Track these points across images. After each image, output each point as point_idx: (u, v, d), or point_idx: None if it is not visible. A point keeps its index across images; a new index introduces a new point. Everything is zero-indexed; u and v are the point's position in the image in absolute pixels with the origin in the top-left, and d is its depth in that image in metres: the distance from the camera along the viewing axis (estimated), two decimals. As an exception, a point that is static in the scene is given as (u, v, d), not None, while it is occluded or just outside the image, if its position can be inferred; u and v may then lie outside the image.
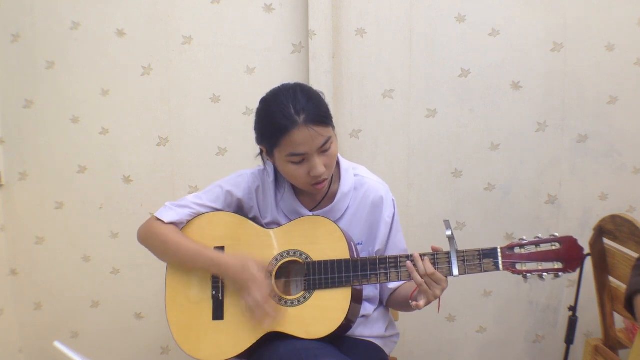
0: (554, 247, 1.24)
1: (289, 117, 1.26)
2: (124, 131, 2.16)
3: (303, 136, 1.26)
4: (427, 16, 2.08)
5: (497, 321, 2.24)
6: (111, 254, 2.22)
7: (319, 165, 1.30)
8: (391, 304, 1.53)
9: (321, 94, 1.36)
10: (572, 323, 1.87)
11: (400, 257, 1.30)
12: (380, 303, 1.54)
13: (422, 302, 1.25)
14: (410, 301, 1.35)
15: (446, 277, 1.26)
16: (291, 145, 1.28)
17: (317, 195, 1.45)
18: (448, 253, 1.27)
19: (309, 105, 1.27)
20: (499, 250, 1.26)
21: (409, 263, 1.27)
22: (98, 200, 2.20)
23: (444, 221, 1.28)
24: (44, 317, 2.26)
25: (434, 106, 2.12)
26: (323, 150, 1.30)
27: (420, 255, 1.28)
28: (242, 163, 2.09)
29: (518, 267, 1.25)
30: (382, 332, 1.51)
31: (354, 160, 1.54)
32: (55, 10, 2.10)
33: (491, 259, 1.26)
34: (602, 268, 1.68)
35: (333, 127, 1.35)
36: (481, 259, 1.26)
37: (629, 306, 1.24)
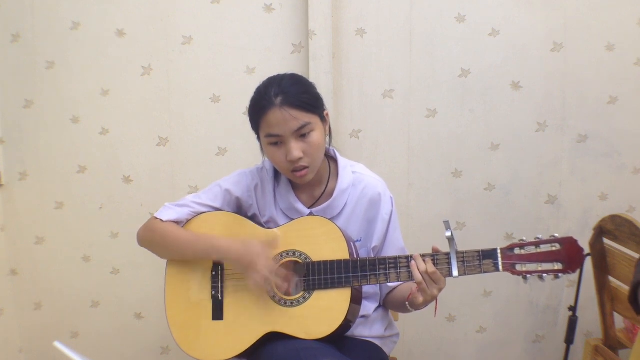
0: (554, 248, 1.24)
1: (267, 99, 1.31)
2: (124, 131, 2.16)
3: (277, 117, 1.30)
4: (427, 16, 2.08)
5: (497, 321, 2.24)
6: (111, 254, 2.22)
7: (294, 150, 1.31)
8: (387, 303, 1.53)
9: (313, 85, 1.40)
10: (572, 323, 1.87)
11: (400, 257, 1.30)
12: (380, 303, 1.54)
13: (420, 299, 1.27)
14: (406, 303, 1.36)
15: (445, 277, 1.27)
16: (267, 126, 1.33)
17: (314, 191, 1.46)
18: (448, 254, 1.27)
19: (291, 90, 1.32)
20: (498, 251, 1.26)
21: (412, 263, 1.27)
22: (98, 200, 2.20)
23: (444, 222, 1.28)
24: (44, 317, 2.26)
25: (434, 106, 2.12)
26: (300, 134, 1.32)
27: (421, 256, 1.28)
28: (242, 163, 2.08)
29: (518, 268, 1.24)
30: (381, 332, 1.51)
31: (354, 160, 1.54)
32: (55, 10, 2.10)
33: (491, 260, 1.25)
34: (602, 268, 1.68)
35: (321, 117, 1.37)
36: (481, 260, 1.26)
37: (634, 298, 1.23)
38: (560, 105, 2.10)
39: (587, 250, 1.66)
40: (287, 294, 1.34)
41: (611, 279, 1.68)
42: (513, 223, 2.17)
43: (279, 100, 1.30)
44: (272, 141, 1.34)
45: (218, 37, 2.10)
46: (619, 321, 1.75)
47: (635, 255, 1.52)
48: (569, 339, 1.88)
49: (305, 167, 1.35)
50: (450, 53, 2.09)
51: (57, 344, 1.05)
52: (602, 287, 1.69)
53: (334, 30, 2.06)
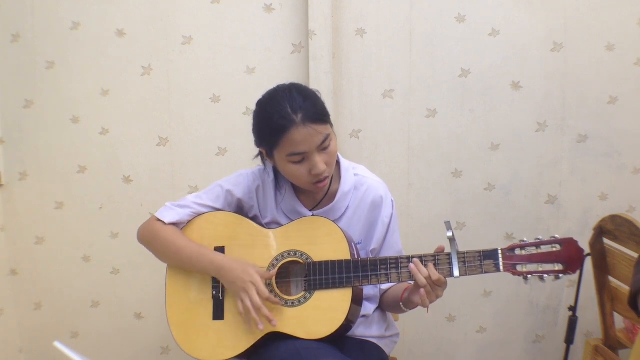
0: (554, 249, 1.24)
1: (287, 117, 1.26)
2: (124, 131, 2.16)
3: (302, 135, 1.26)
4: (427, 16, 2.08)
5: (497, 321, 2.24)
6: (111, 254, 2.22)
7: (320, 163, 1.30)
8: (381, 304, 1.53)
9: (317, 92, 1.36)
10: (572, 323, 1.87)
11: (401, 258, 1.30)
12: (380, 303, 1.55)
13: (427, 303, 1.26)
14: (400, 303, 1.36)
15: (446, 278, 1.27)
16: (290, 145, 1.28)
17: (317, 194, 1.45)
18: (449, 254, 1.27)
19: (306, 104, 1.28)
20: (499, 251, 1.26)
21: (412, 266, 1.27)
22: (98, 200, 2.19)
23: (445, 222, 1.28)
24: (44, 317, 2.26)
25: (434, 106, 2.12)
26: (323, 147, 1.30)
27: (421, 257, 1.28)
28: (242, 163, 2.07)
29: (519, 268, 1.25)
30: (382, 332, 1.51)
31: (354, 161, 1.54)
32: (55, 10, 2.10)
33: (492, 260, 1.26)
34: (602, 268, 1.68)
35: (331, 124, 1.35)
36: (482, 260, 1.26)
37: (634, 304, 1.23)
38: (560, 105, 2.10)
39: (587, 250, 1.66)
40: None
41: (611, 279, 1.68)
42: (513, 223, 2.17)
43: (300, 117, 1.26)
44: (296, 160, 1.30)
45: (218, 37, 2.10)
46: (619, 321, 1.75)
47: (635, 255, 1.52)
48: (569, 339, 1.88)
49: (326, 177, 1.34)
50: (450, 53, 2.09)
51: (57, 344, 1.05)
52: (602, 287, 1.69)
53: (334, 30, 2.06)
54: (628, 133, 2.10)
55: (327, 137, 1.30)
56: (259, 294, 1.29)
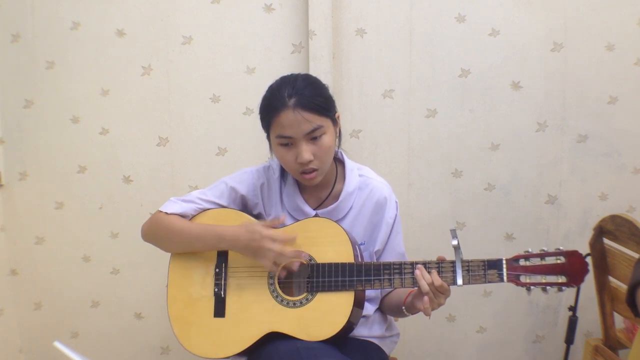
0: (558, 261, 1.23)
1: (280, 99, 1.30)
2: (124, 131, 2.16)
3: (289, 119, 1.29)
4: (427, 16, 2.08)
5: (497, 321, 2.24)
6: (111, 254, 2.22)
7: (305, 152, 1.31)
8: (383, 307, 1.53)
9: (327, 87, 1.39)
10: (572, 323, 1.87)
11: (405, 263, 1.30)
12: (380, 304, 1.54)
13: (429, 310, 1.26)
14: (403, 307, 1.36)
15: (449, 285, 1.27)
16: (279, 127, 1.32)
17: (321, 193, 1.46)
18: (453, 262, 1.27)
19: (305, 91, 1.31)
20: (504, 261, 1.25)
21: (417, 272, 1.27)
22: (98, 200, 2.19)
23: (450, 230, 1.28)
24: (44, 317, 2.26)
25: (434, 106, 2.12)
26: (312, 137, 1.32)
27: (425, 264, 1.28)
28: (242, 163, 2.08)
29: (522, 279, 1.24)
30: (382, 332, 1.51)
31: (354, 161, 1.54)
32: (55, 10, 2.10)
33: (496, 270, 1.25)
34: (602, 268, 1.68)
35: (332, 119, 1.37)
36: (486, 270, 1.25)
37: (631, 299, 1.23)
38: (560, 105, 2.10)
39: (587, 250, 1.66)
40: (290, 287, 1.34)
41: (611, 279, 1.68)
42: (513, 223, 2.17)
43: (292, 101, 1.29)
44: (282, 142, 1.33)
45: (218, 37, 2.10)
46: (619, 321, 1.75)
47: (635, 255, 1.52)
48: (569, 339, 1.88)
49: (314, 170, 1.35)
50: (450, 53, 2.09)
51: (57, 344, 1.05)
52: (602, 287, 1.69)
53: (334, 30, 2.06)
54: (628, 133, 2.10)
55: (317, 128, 1.31)
56: (274, 242, 1.30)
